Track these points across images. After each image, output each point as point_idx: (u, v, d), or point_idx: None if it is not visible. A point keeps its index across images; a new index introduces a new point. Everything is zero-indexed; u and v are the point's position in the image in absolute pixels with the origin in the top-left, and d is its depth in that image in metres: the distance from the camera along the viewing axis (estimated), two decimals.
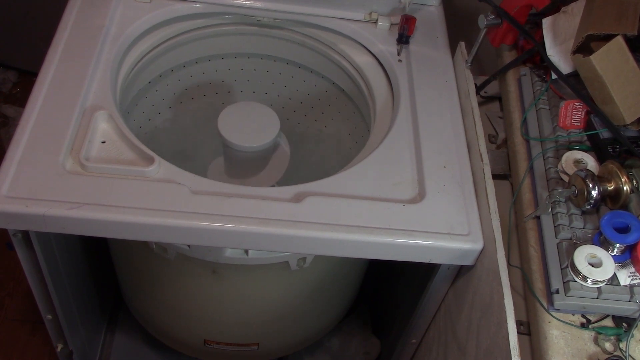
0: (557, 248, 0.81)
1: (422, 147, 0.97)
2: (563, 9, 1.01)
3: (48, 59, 0.99)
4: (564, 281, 0.78)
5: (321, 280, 1.15)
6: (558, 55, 0.98)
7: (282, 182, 1.21)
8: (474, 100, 1.01)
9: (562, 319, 0.78)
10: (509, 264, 0.84)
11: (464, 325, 0.93)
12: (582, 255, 0.78)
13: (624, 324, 0.78)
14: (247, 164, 1.17)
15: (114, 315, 1.48)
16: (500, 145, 1.06)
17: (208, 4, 1.14)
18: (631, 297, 0.77)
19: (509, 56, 1.11)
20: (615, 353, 0.76)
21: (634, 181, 0.83)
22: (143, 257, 1.11)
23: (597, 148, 0.92)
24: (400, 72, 1.09)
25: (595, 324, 0.78)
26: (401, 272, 1.28)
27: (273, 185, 1.16)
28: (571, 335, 0.77)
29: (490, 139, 1.08)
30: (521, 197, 0.91)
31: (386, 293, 1.44)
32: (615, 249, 0.79)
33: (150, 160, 0.88)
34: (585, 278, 0.77)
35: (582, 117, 0.94)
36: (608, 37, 0.89)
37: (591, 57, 0.88)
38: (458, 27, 1.25)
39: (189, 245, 0.98)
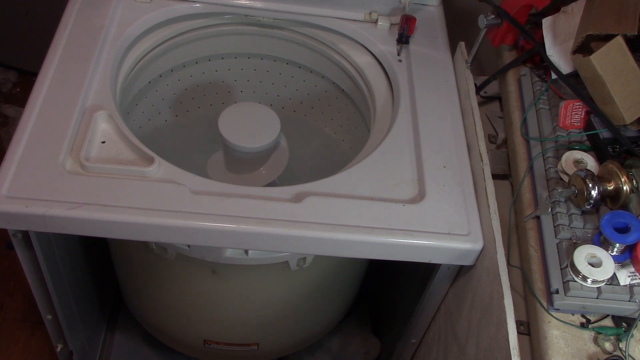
0: (557, 248, 0.81)
1: (422, 147, 0.97)
2: (563, 9, 1.01)
3: (48, 59, 0.99)
4: (564, 281, 0.78)
5: (321, 281, 1.15)
6: (558, 55, 0.98)
7: (282, 182, 1.21)
8: (474, 100, 1.01)
9: (562, 319, 0.78)
10: (509, 264, 0.84)
11: (464, 325, 0.93)
12: (582, 255, 0.78)
13: (624, 324, 0.78)
14: (247, 163, 1.17)
15: (114, 315, 1.48)
16: (500, 145, 1.06)
17: (208, 4, 1.14)
18: (631, 297, 0.77)
19: (509, 56, 1.11)
20: (615, 353, 0.76)
21: (634, 181, 0.83)
22: (143, 258, 1.11)
23: (597, 148, 0.92)
24: (400, 72, 1.09)
25: (595, 324, 0.78)
26: (401, 272, 1.28)
27: (274, 181, 1.16)
28: (571, 335, 0.77)
29: (490, 139, 1.08)
30: (521, 197, 0.91)
31: (386, 293, 1.44)
32: (615, 249, 0.79)
33: (150, 160, 0.88)
34: (585, 278, 0.77)
35: (582, 117, 0.94)
36: (608, 37, 0.89)
37: (591, 57, 0.88)
38: (458, 27, 1.25)
39: (188, 245, 0.98)
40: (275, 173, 1.17)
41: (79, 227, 0.84)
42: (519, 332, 0.78)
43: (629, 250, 0.80)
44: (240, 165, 1.18)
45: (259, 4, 1.15)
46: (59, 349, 1.19)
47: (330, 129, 1.35)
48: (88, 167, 0.86)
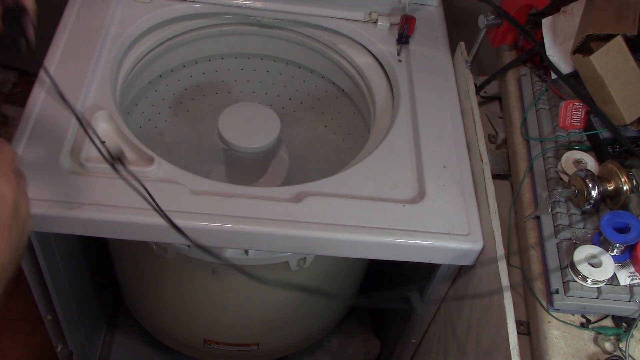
0: (557, 248, 0.81)
1: (422, 147, 0.97)
2: (563, 9, 1.01)
3: (48, 59, 0.99)
4: (564, 281, 0.78)
5: (321, 281, 1.15)
6: (558, 55, 0.98)
7: (282, 182, 1.21)
8: (474, 100, 1.01)
9: (562, 319, 0.78)
10: (509, 264, 0.84)
11: (464, 325, 0.93)
12: (582, 255, 0.78)
13: (624, 324, 0.78)
14: (247, 165, 1.17)
15: (114, 315, 1.48)
16: (500, 145, 1.06)
17: (208, 4, 1.14)
18: (631, 297, 0.77)
19: (509, 56, 1.11)
20: (615, 353, 0.76)
21: (634, 181, 0.83)
22: (143, 257, 1.11)
23: (597, 148, 0.92)
24: (400, 72, 1.09)
25: (595, 324, 0.78)
26: (401, 272, 1.28)
27: None
28: (571, 335, 0.77)
29: (490, 139, 1.08)
30: (521, 197, 0.91)
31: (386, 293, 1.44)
32: (615, 249, 0.79)
33: (150, 160, 0.88)
34: (585, 278, 0.77)
35: (582, 117, 0.94)
36: (608, 37, 0.89)
37: (591, 57, 0.88)
38: (458, 27, 1.25)
39: (189, 246, 0.98)
40: (274, 183, 1.17)
41: (79, 227, 0.84)
42: (519, 332, 0.78)
43: (629, 250, 0.80)
44: (241, 170, 1.18)
45: (259, 4, 1.15)
46: (59, 349, 1.19)
47: (330, 129, 1.35)
48: (88, 167, 0.86)
